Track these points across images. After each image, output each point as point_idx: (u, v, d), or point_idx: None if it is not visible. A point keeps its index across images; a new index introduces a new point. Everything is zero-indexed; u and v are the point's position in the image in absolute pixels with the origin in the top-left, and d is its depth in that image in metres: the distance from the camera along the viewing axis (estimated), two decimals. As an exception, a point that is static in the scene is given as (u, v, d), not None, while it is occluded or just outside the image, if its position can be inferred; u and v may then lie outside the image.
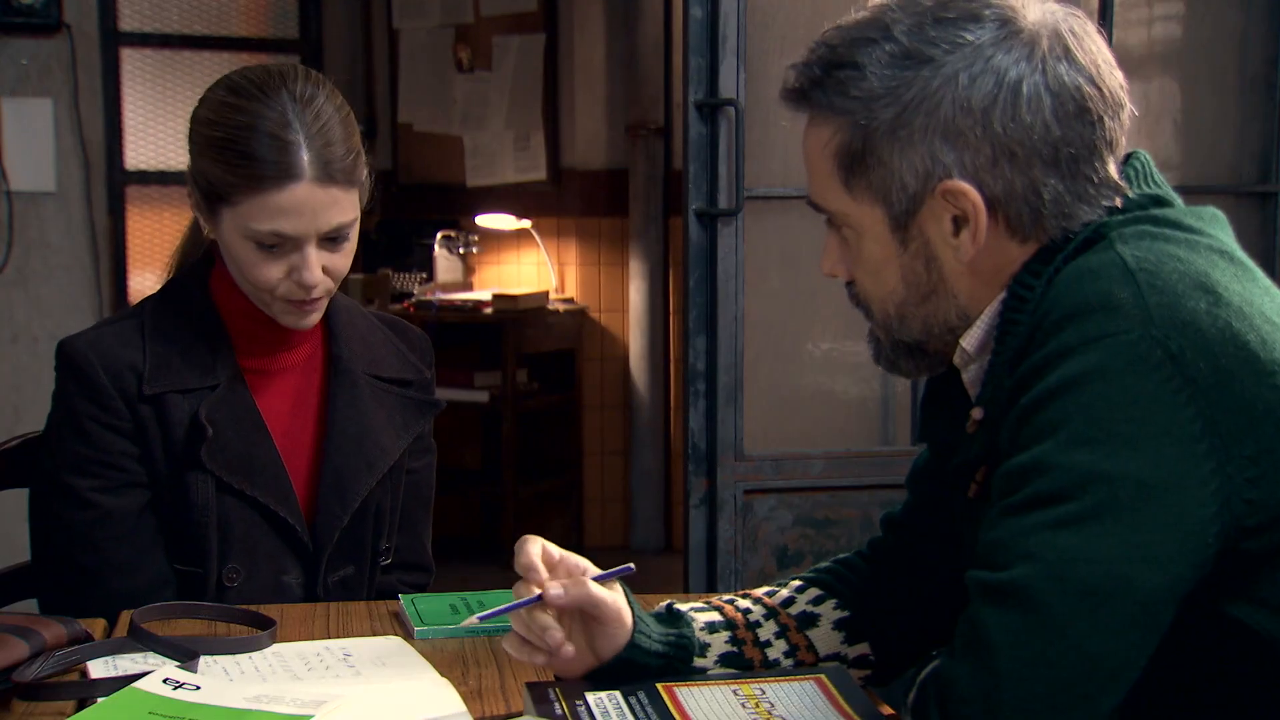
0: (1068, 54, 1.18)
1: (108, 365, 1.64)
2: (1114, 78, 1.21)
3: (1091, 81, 1.19)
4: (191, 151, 1.66)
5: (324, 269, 1.64)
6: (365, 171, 1.67)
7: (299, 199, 1.59)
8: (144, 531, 1.66)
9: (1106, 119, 1.19)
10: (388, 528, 1.78)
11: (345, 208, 1.63)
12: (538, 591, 1.23)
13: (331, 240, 1.64)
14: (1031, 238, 1.20)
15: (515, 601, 1.25)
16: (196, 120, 1.65)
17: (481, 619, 1.28)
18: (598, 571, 1.28)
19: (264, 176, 1.58)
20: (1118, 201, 1.21)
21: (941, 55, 1.17)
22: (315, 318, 1.69)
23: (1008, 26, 1.18)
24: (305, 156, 1.59)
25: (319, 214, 1.60)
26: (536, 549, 1.25)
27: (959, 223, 1.20)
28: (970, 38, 1.17)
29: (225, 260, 1.69)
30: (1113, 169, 1.21)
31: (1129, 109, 1.22)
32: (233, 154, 1.59)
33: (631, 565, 1.28)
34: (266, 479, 1.67)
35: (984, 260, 1.21)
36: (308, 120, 1.60)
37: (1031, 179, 1.18)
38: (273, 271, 1.63)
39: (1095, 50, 1.20)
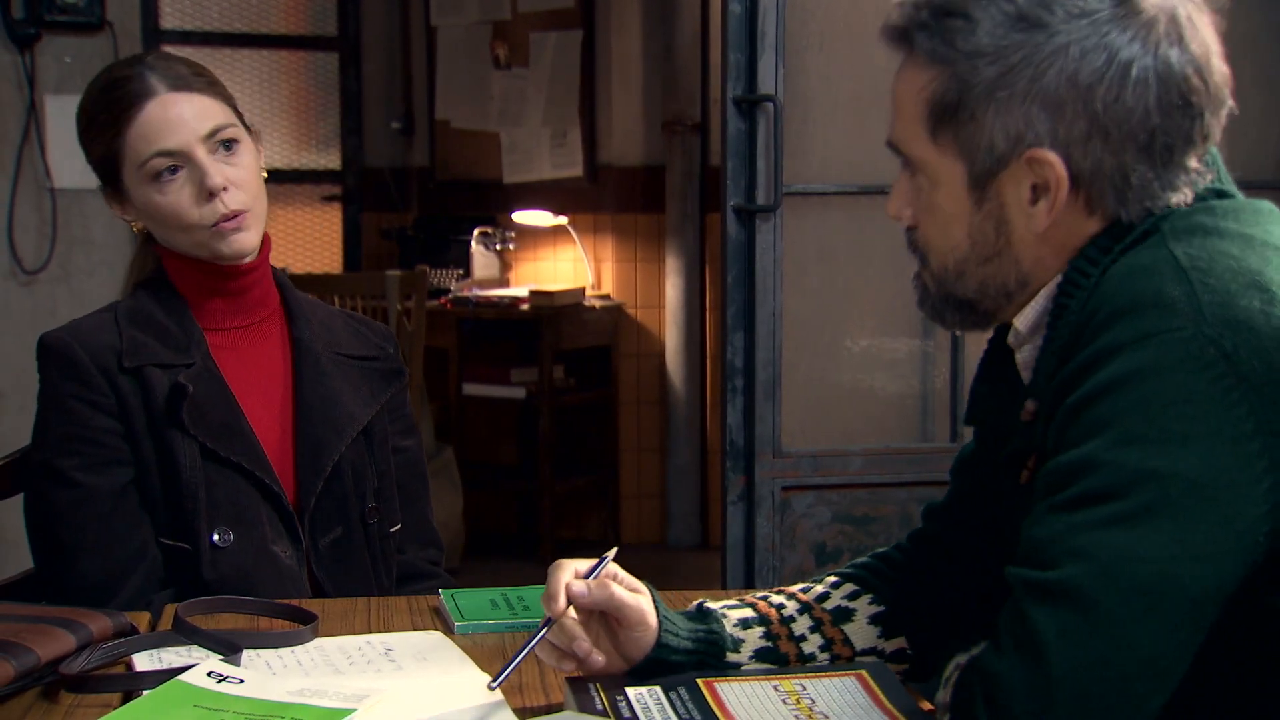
0: (1181, 41, 1.17)
1: (86, 345, 1.72)
2: (1221, 71, 1.19)
3: (1199, 73, 1.17)
4: (87, 157, 1.79)
5: (230, 181, 1.72)
6: (228, 96, 1.77)
7: (163, 111, 1.71)
8: (123, 510, 1.69)
9: (1207, 113, 1.18)
10: (369, 489, 1.82)
11: (215, 112, 1.74)
12: (549, 616, 1.25)
13: (224, 149, 1.73)
14: (1108, 214, 1.19)
15: (533, 638, 1.25)
16: (77, 123, 1.79)
17: (504, 670, 1.24)
18: (623, 575, 1.29)
19: (125, 108, 1.72)
20: (1188, 194, 1.19)
21: (1057, 23, 1.15)
22: (247, 238, 1.75)
23: (1128, 4, 1.16)
24: (152, 78, 1.73)
25: (189, 121, 1.72)
26: (564, 576, 1.26)
27: (1038, 191, 1.19)
28: (1090, 9, 1.16)
29: (156, 235, 1.78)
30: (1196, 161, 1.19)
31: (1229, 105, 1.20)
32: (100, 112, 1.74)
33: (613, 550, 1.30)
34: (242, 445, 1.73)
35: (1054, 231, 1.20)
36: (150, 60, 1.76)
37: (1121, 162, 1.17)
38: (183, 200, 1.72)
39: (1208, 40, 1.18)
